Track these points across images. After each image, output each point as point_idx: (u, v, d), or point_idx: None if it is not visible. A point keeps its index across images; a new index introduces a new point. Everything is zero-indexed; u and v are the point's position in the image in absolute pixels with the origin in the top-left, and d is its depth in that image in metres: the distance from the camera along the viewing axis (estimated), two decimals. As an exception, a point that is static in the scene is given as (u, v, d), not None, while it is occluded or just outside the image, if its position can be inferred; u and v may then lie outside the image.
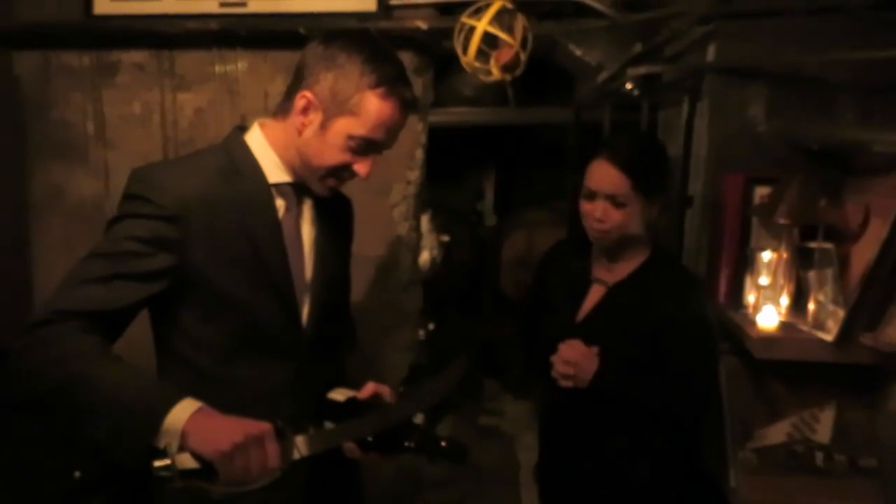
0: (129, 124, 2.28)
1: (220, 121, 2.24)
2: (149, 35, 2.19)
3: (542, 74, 3.20)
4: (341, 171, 1.31)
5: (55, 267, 2.29)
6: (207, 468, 1.01)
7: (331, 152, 1.27)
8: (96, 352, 1.13)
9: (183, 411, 1.05)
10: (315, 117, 1.26)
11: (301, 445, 1.09)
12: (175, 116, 2.26)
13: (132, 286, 1.20)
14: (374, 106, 1.25)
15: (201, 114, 2.26)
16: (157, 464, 0.99)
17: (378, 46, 1.29)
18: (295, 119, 1.28)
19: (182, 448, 1.03)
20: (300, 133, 1.28)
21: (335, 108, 1.25)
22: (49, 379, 1.11)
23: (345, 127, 1.25)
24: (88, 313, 1.16)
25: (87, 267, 1.20)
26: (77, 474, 1.88)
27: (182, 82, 2.25)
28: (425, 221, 3.55)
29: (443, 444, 1.24)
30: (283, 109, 1.32)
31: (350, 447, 1.30)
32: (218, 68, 2.23)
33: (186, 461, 1.01)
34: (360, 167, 1.30)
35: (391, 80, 1.26)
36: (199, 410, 1.06)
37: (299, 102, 1.26)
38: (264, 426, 1.05)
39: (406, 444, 1.24)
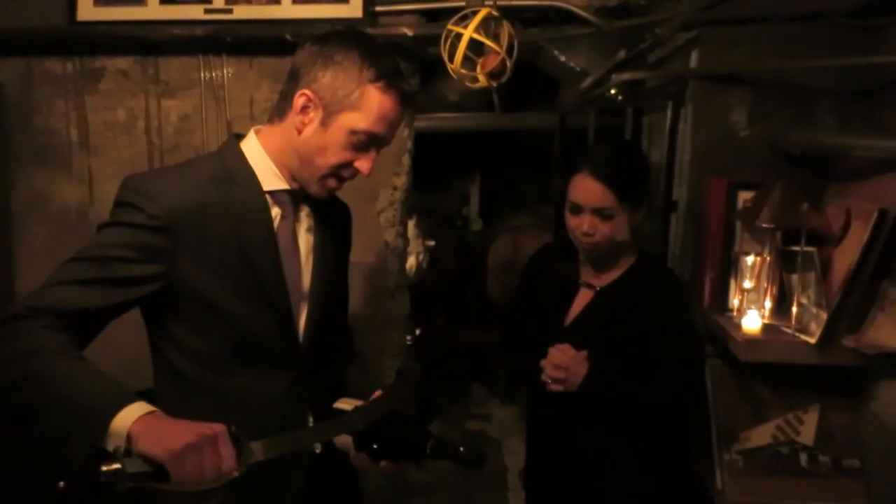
0: (114, 131, 2.25)
1: (206, 127, 2.23)
2: (133, 41, 2.18)
3: (527, 80, 3.23)
4: (342, 170, 1.30)
5: (38, 275, 2.23)
6: (158, 470, 0.98)
7: (332, 149, 1.26)
8: (59, 349, 1.09)
9: (131, 413, 1.01)
10: (315, 115, 1.26)
11: (256, 450, 1.07)
12: (160, 123, 2.24)
13: (110, 290, 1.18)
14: (375, 99, 1.25)
15: (186, 120, 2.24)
16: (105, 468, 0.94)
17: (372, 42, 1.30)
18: (294, 119, 1.27)
19: (129, 452, 0.99)
20: (300, 132, 1.27)
21: (336, 103, 1.24)
22: (9, 372, 1.08)
23: (347, 122, 1.25)
24: (61, 311, 1.13)
25: (69, 269, 1.18)
26: (61, 485, 1.86)
27: (167, 89, 2.23)
28: (411, 227, 3.55)
29: (461, 449, 1.23)
30: (278, 112, 1.31)
31: (360, 458, 1.28)
32: (203, 74, 2.22)
33: (136, 464, 0.97)
34: (362, 163, 1.29)
35: (390, 74, 1.26)
36: (149, 413, 1.02)
37: (298, 101, 1.26)
38: (218, 427, 1.02)
39: (422, 451, 1.23)
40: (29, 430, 1.07)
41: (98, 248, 1.20)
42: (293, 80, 1.28)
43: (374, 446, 1.26)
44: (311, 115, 1.26)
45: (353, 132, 1.25)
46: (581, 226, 1.64)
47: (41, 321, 1.11)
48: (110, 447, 1.00)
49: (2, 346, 1.10)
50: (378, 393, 1.35)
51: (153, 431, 1.00)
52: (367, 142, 1.28)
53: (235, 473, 1.04)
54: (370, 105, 1.25)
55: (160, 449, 0.98)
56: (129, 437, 1.00)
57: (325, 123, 1.25)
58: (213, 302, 1.24)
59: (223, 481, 1.03)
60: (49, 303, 1.14)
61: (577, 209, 1.65)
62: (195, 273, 1.23)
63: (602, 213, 1.62)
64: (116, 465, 0.95)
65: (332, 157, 1.27)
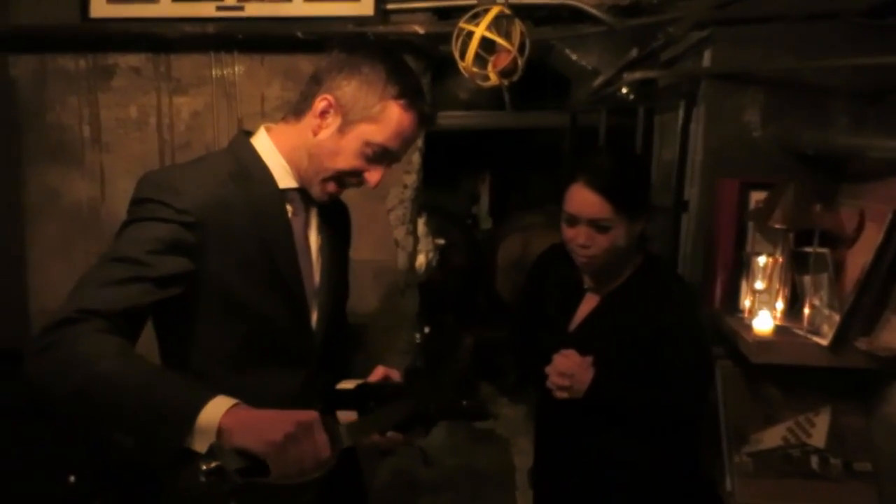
0: (126, 128, 2.27)
1: (217, 124, 2.24)
2: (145, 38, 2.19)
3: (538, 79, 3.22)
4: (348, 177, 1.31)
5: (51, 271, 2.28)
6: (258, 465, 0.94)
7: (344, 156, 1.28)
8: (121, 351, 1.06)
9: (217, 408, 0.98)
10: (334, 121, 1.28)
11: (344, 435, 1.03)
12: (172, 120, 2.26)
13: (151, 288, 1.15)
14: (395, 115, 1.27)
15: (198, 117, 2.26)
16: (206, 466, 0.89)
17: (399, 60, 1.32)
18: (311, 121, 1.29)
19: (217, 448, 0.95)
20: (315, 134, 1.29)
21: (356, 113, 1.26)
22: (72, 379, 1.03)
23: (364, 133, 1.27)
24: (111, 313, 1.10)
25: (107, 269, 1.15)
26: (72, 479, 1.87)
27: (179, 86, 2.25)
28: (421, 225, 3.55)
29: (464, 403, 1.25)
30: (295, 112, 1.33)
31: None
32: (215, 72, 2.23)
33: (234, 460, 0.92)
34: (371, 175, 1.31)
35: (413, 93, 1.28)
36: (235, 406, 0.99)
37: (319, 105, 1.27)
38: (311, 414, 1.00)
39: (427, 412, 1.22)
40: (100, 434, 1.01)
41: (130, 245, 1.17)
42: (316, 83, 1.30)
43: None
44: (330, 120, 1.28)
45: (367, 143, 1.27)
46: (577, 238, 1.59)
47: (93, 324, 1.07)
48: (195, 445, 0.97)
49: (58, 351, 1.06)
50: (379, 369, 1.36)
51: (249, 424, 0.96)
52: (380, 155, 1.29)
53: (333, 462, 1.00)
54: (389, 120, 1.27)
55: (261, 442, 0.94)
56: (219, 432, 0.96)
57: (342, 130, 1.27)
58: (236, 297, 1.25)
59: (320, 472, 1.00)
60: (96, 305, 1.09)
61: (573, 220, 1.60)
62: (221, 268, 1.23)
63: (598, 225, 1.57)
64: (216, 463, 0.90)
65: (342, 163, 1.29)
